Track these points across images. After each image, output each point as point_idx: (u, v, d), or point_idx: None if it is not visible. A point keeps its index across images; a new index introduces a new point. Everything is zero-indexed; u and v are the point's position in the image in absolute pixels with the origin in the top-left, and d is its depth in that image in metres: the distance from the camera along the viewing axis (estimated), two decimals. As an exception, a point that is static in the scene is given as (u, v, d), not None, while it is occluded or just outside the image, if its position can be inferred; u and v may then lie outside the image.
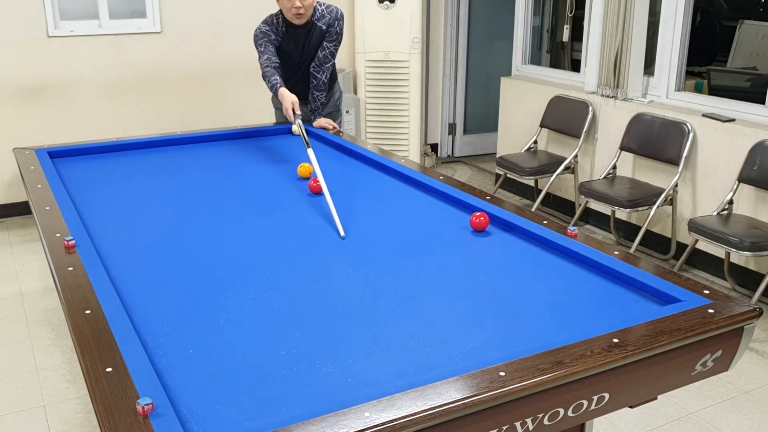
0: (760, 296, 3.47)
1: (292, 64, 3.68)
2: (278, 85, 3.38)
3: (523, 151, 4.99)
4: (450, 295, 1.86)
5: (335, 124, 3.68)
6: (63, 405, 2.85)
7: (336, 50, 3.66)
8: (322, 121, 3.66)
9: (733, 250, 3.42)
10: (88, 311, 1.68)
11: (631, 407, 1.65)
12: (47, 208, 2.42)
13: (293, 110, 3.26)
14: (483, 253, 2.14)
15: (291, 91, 3.64)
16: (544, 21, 6.24)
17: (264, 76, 3.46)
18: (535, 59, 5.75)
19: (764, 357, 3.20)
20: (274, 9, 3.61)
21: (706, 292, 1.78)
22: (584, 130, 4.59)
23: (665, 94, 4.31)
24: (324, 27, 3.58)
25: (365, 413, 1.30)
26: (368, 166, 3.06)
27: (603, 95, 4.54)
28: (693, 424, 2.73)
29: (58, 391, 2.94)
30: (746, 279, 3.80)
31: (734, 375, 3.03)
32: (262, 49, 3.51)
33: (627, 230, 4.52)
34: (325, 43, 3.61)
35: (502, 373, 1.42)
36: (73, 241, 2.07)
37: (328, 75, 3.68)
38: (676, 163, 4.02)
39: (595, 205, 4.45)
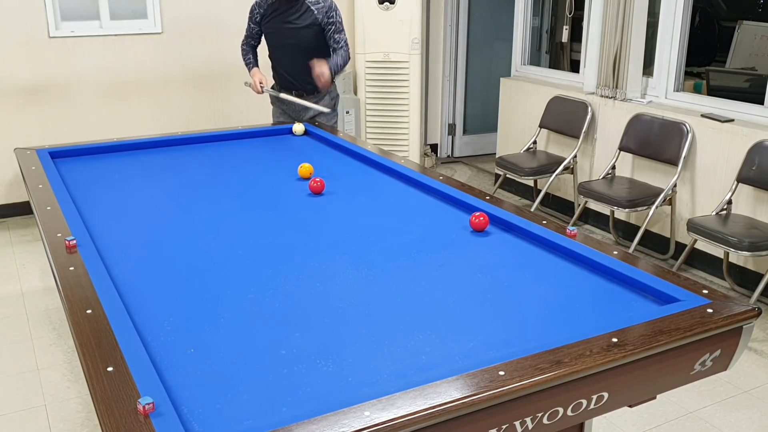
0: (758, 296, 3.47)
1: (275, 37, 3.80)
2: (251, 65, 3.92)
3: (522, 151, 5.00)
4: (449, 295, 1.86)
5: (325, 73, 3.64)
6: (64, 404, 2.85)
7: (338, 35, 3.71)
8: (322, 66, 3.64)
9: (732, 249, 3.42)
10: (89, 311, 1.69)
11: (630, 406, 1.66)
12: (48, 208, 2.42)
13: (260, 84, 3.77)
14: (482, 253, 2.14)
15: (283, 74, 3.85)
16: (544, 22, 6.24)
17: (242, 55, 3.96)
18: (535, 60, 5.75)
19: (763, 356, 3.21)
20: None
21: (705, 291, 1.78)
22: (583, 130, 4.60)
23: (664, 94, 4.32)
24: (317, 14, 3.64)
25: (365, 412, 1.31)
26: (368, 166, 3.07)
27: (602, 96, 4.55)
28: (692, 424, 2.74)
29: (59, 391, 2.94)
30: (745, 279, 3.80)
31: (733, 374, 3.03)
32: (247, 25, 3.88)
33: (626, 230, 4.52)
34: (327, 35, 3.71)
35: (501, 373, 1.42)
36: (74, 241, 2.07)
37: (342, 51, 3.73)
38: (675, 164, 4.03)
39: (594, 205, 4.46)
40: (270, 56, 3.91)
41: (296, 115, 3.92)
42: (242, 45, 3.95)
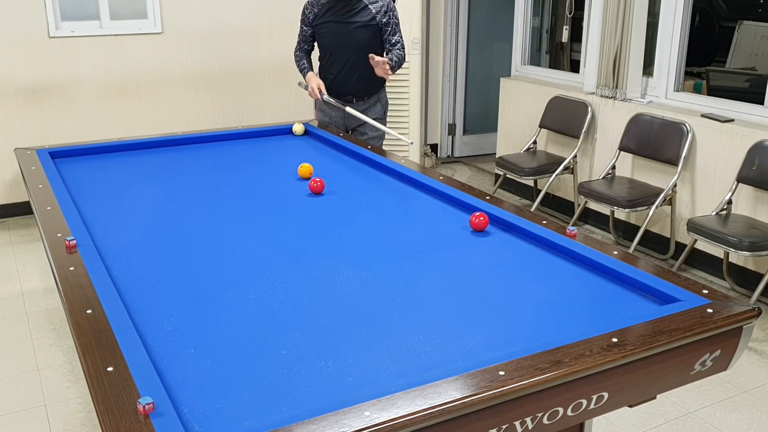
0: (758, 296, 3.47)
1: (328, 36, 3.66)
2: (306, 69, 3.76)
3: (522, 151, 5.00)
4: (449, 295, 1.86)
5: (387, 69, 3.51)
6: (64, 404, 2.85)
7: (393, 37, 3.62)
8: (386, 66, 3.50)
9: (732, 249, 3.42)
10: (89, 311, 1.69)
11: (630, 406, 1.66)
12: (48, 208, 2.42)
13: (319, 90, 3.61)
14: (482, 253, 2.14)
15: (335, 75, 3.68)
16: (544, 22, 6.24)
17: (295, 61, 3.81)
18: (535, 60, 5.75)
19: (763, 356, 3.21)
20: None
21: (705, 291, 1.78)
22: (583, 130, 4.59)
23: (664, 94, 4.32)
24: (374, 12, 3.56)
25: (365, 412, 1.31)
26: (368, 166, 3.07)
27: (602, 96, 4.55)
28: (692, 424, 2.74)
29: (60, 391, 2.94)
30: (745, 279, 3.80)
31: (733, 374, 3.03)
32: (300, 29, 3.76)
33: (626, 230, 4.52)
34: (383, 36, 3.64)
35: (501, 373, 1.42)
36: (74, 241, 2.07)
37: (399, 51, 3.61)
38: (675, 164, 4.03)
39: (594, 205, 4.46)
40: (320, 58, 3.75)
41: (343, 125, 3.77)
42: (295, 51, 3.80)
